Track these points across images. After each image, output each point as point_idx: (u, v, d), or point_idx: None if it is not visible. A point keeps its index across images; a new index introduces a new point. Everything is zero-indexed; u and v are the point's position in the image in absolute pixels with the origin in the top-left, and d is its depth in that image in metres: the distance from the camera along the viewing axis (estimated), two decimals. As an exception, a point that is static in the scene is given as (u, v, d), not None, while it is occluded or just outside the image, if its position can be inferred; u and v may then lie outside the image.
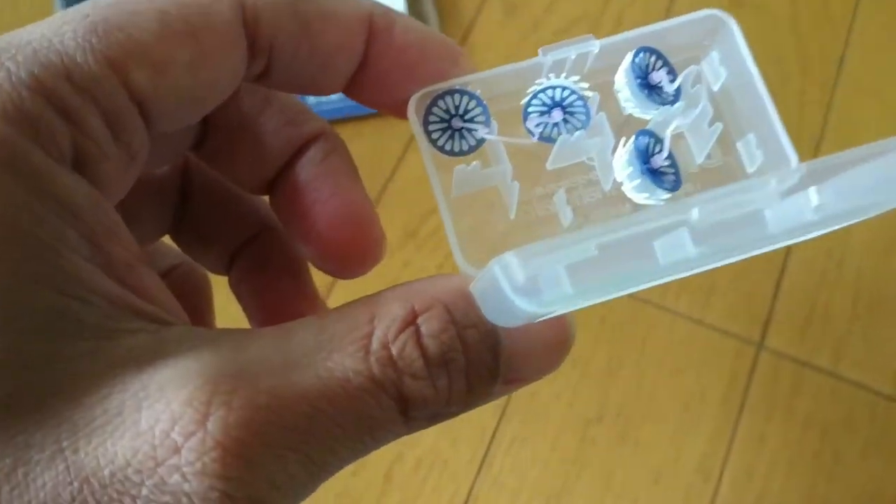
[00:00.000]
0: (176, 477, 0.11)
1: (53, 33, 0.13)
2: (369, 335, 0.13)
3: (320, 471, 0.13)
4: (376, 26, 0.16)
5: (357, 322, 0.14)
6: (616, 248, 0.13)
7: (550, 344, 0.15)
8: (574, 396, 0.38)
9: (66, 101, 0.13)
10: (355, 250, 0.18)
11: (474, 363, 0.14)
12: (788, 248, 0.41)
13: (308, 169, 0.18)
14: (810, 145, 0.43)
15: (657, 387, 0.38)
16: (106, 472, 0.11)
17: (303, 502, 0.13)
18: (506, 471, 0.36)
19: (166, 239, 0.20)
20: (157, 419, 0.12)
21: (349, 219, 0.18)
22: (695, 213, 0.13)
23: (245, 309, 0.20)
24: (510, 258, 0.12)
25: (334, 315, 0.14)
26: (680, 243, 0.13)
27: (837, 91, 0.44)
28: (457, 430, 0.37)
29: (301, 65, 0.16)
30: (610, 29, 0.46)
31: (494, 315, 0.14)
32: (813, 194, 0.14)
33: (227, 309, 0.20)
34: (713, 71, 0.18)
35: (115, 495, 0.11)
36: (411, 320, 0.14)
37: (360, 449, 0.13)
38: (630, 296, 0.40)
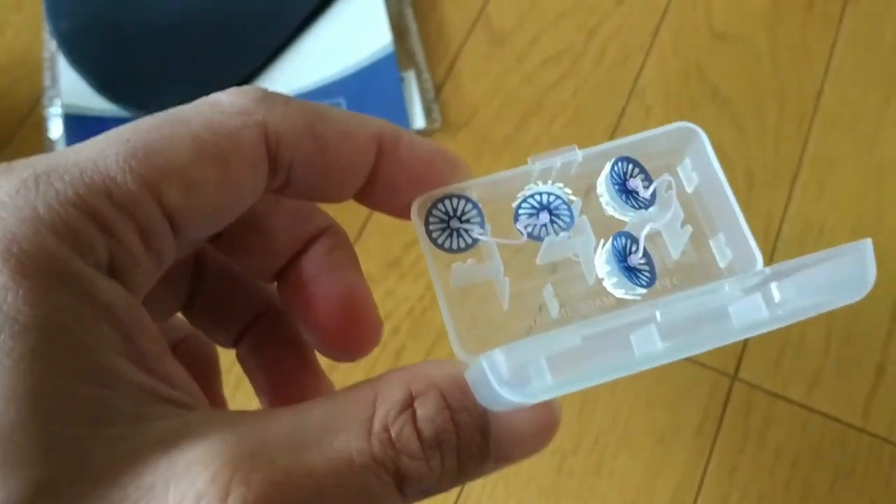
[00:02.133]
0: None
1: (98, 155, 0.15)
2: (371, 417, 0.15)
3: None
4: (385, 144, 0.18)
5: (361, 404, 0.15)
6: (594, 342, 0.15)
7: (537, 427, 0.17)
8: (551, 427, 0.39)
9: (105, 218, 0.15)
10: (354, 341, 0.20)
11: (465, 444, 0.15)
12: (763, 281, 0.41)
13: (313, 263, 0.20)
14: (788, 178, 0.44)
15: (632, 418, 0.39)
16: None
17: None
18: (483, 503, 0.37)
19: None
20: (184, 495, 0.13)
21: (350, 313, 0.20)
22: (658, 315, 0.15)
23: (252, 381, 0.21)
24: (497, 354, 0.14)
25: (341, 396, 0.15)
26: (650, 339, 0.15)
27: (814, 125, 0.45)
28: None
29: (317, 179, 0.18)
30: (593, 61, 0.46)
31: (486, 401, 0.15)
32: (775, 291, 0.16)
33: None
34: (687, 175, 0.20)
35: None
36: (409, 403, 0.15)
37: None
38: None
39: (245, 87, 0.17)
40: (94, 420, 0.14)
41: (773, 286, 0.16)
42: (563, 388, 0.14)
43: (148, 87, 0.43)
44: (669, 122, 0.45)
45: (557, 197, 0.19)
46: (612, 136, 0.44)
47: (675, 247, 0.19)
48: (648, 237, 0.18)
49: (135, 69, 0.44)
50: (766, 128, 0.45)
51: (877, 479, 0.38)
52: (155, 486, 0.13)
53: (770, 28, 0.48)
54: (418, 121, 0.44)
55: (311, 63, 0.45)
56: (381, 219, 0.42)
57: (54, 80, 0.45)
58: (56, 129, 0.43)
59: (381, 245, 0.42)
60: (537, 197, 0.19)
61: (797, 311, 0.15)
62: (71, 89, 0.44)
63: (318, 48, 0.46)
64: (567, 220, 0.19)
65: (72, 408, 0.13)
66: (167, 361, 0.15)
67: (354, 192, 0.19)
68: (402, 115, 0.44)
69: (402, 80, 0.45)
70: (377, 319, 0.20)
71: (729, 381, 0.40)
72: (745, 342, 0.40)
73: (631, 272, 0.18)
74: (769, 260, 0.42)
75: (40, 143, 0.43)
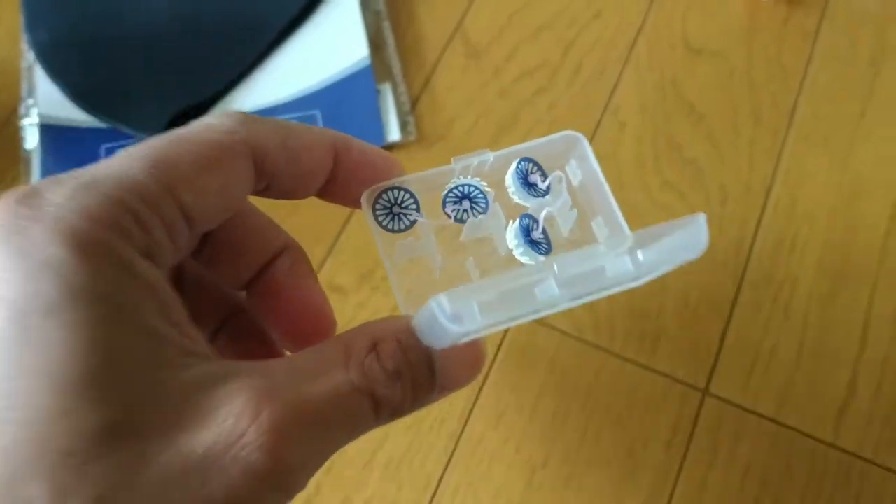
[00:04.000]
0: (244, 452, 0.17)
1: (127, 168, 0.19)
2: (348, 359, 0.20)
3: (325, 451, 0.19)
4: (339, 151, 0.23)
5: (339, 351, 0.20)
6: (510, 291, 0.20)
7: (468, 361, 0.22)
8: (521, 442, 0.38)
9: (140, 214, 0.19)
10: (313, 337, 0.25)
11: (417, 375, 0.21)
12: (736, 293, 0.41)
13: (278, 274, 0.25)
14: (761, 192, 0.44)
15: (603, 432, 0.39)
16: (201, 450, 0.17)
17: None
18: (448, 516, 0.37)
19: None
20: (229, 413, 0.18)
21: (309, 315, 0.25)
22: (555, 268, 0.20)
23: None
24: (442, 297, 0.18)
25: (322, 347, 0.20)
26: (550, 288, 0.20)
27: (788, 140, 0.45)
28: (403, 476, 0.38)
29: (289, 182, 0.23)
30: (569, 76, 0.47)
31: (430, 340, 0.20)
32: (639, 254, 0.21)
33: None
34: (573, 172, 0.25)
35: (208, 465, 0.17)
36: (373, 348, 0.20)
37: (346, 438, 0.20)
38: (579, 340, 0.40)
39: (229, 112, 0.22)
40: (150, 366, 0.18)
41: (638, 251, 0.21)
42: (489, 326, 0.19)
43: (124, 98, 0.44)
44: (644, 136, 0.46)
45: (476, 188, 0.25)
46: (586, 150, 0.45)
47: (565, 226, 0.25)
48: (545, 218, 0.24)
49: (112, 81, 0.44)
50: (740, 143, 0.45)
51: (846, 495, 0.38)
52: (206, 412, 0.18)
53: (746, 43, 0.48)
54: (393, 133, 0.44)
55: (287, 75, 0.45)
56: (353, 234, 0.42)
57: (31, 90, 0.45)
58: (32, 139, 0.44)
59: (354, 259, 0.42)
60: (460, 188, 0.25)
61: (654, 267, 0.20)
62: (48, 100, 0.44)
63: (295, 61, 0.46)
64: (483, 206, 0.25)
65: (133, 357, 0.18)
66: (191, 326, 0.19)
67: (317, 191, 0.24)
68: (378, 128, 0.44)
69: (378, 92, 0.45)
70: (332, 321, 0.25)
71: (700, 395, 0.39)
72: (717, 357, 0.40)
73: (533, 244, 0.24)
74: (742, 274, 0.42)
75: (15, 153, 0.44)
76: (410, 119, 0.45)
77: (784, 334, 0.41)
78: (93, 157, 0.43)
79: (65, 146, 0.43)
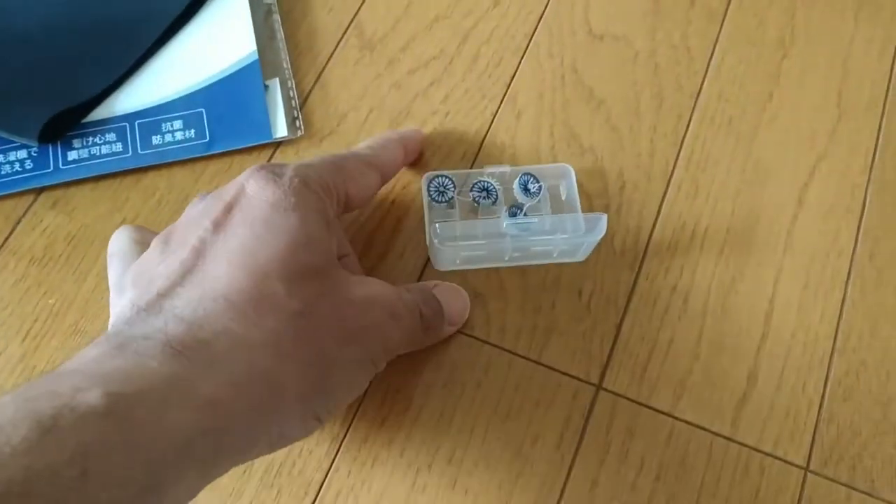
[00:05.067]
0: (381, 304, 0.33)
1: (319, 165, 0.34)
2: (413, 293, 0.35)
3: (407, 336, 0.34)
4: (383, 177, 0.38)
5: (407, 289, 0.35)
6: (472, 223, 0.39)
7: (459, 305, 0.38)
8: (406, 443, 0.37)
9: (332, 193, 0.33)
10: None
11: (435, 305, 0.36)
12: (633, 284, 0.40)
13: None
14: (662, 178, 0.42)
15: (491, 430, 0.37)
16: (363, 295, 0.32)
17: None
18: (317, 523, 0.35)
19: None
20: (374, 289, 0.33)
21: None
22: (511, 230, 0.38)
23: None
24: (437, 226, 0.37)
25: (403, 288, 0.35)
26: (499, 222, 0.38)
27: (692, 124, 0.44)
28: (282, 482, 0.36)
29: (384, 183, 0.38)
30: (466, 66, 0.45)
31: (435, 262, 0.40)
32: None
33: None
34: (564, 189, 0.41)
35: (367, 304, 0.32)
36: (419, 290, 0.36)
37: (413, 335, 0.35)
38: (468, 336, 0.39)
39: (369, 146, 0.39)
40: (332, 248, 0.32)
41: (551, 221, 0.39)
42: (463, 248, 0.38)
43: (7, 101, 0.42)
44: (540, 124, 0.44)
45: (492, 184, 0.40)
46: (482, 141, 0.43)
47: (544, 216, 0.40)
48: (528, 209, 0.40)
49: (-11, 83, 0.43)
50: (641, 128, 0.44)
51: (745, 490, 0.36)
52: (362, 282, 0.32)
53: (650, 27, 0.47)
54: (281, 129, 0.43)
55: (172, 74, 0.44)
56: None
57: (-89, 96, 0.44)
58: None
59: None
60: (482, 183, 0.41)
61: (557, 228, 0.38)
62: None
63: (181, 59, 0.44)
64: (494, 196, 0.40)
65: (328, 242, 0.31)
66: (355, 258, 0.37)
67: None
68: (265, 124, 0.43)
69: (266, 88, 0.44)
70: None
71: (593, 390, 0.38)
72: (611, 350, 0.39)
73: (520, 225, 0.38)
74: (641, 262, 0.40)
75: None
76: (300, 114, 0.43)
77: (682, 325, 0.39)
78: (-27, 163, 0.42)
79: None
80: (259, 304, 0.28)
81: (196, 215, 0.31)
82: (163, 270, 0.29)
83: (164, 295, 0.28)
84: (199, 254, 0.29)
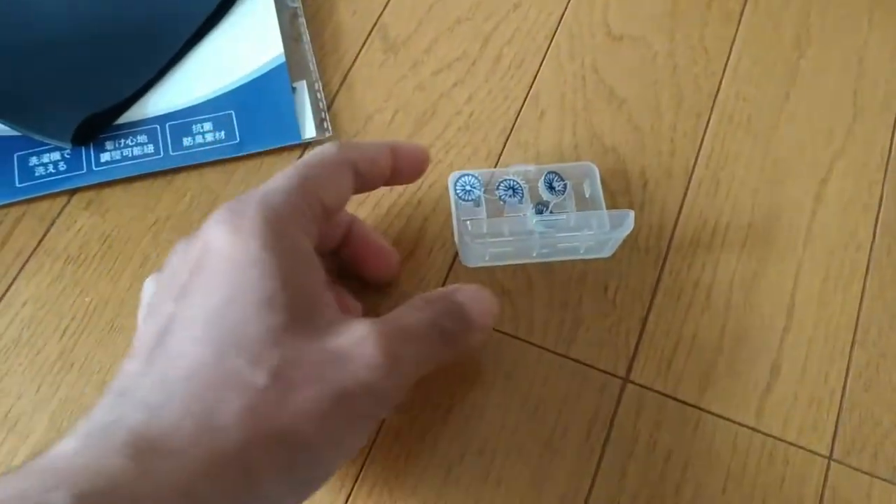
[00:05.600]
0: (367, 351, 0.29)
1: (288, 184, 0.31)
2: (424, 307, 0.32)
3: (417, 362, 0.31)
4: (395, 154, 0.35)
5: (417, 306, 0.32)
6: (501, 221, 0.41)
7: (486, 309, 0.34)
8: (437, 437, 0.38)
9: (301, 211, 0.31)
10: (387, 274, 0.40)
11: (459, 313, 0.33)
12: (657, 279, 0.41)
13: (357, 233, 0.38)
14: (683, 176, 0.43)
15: (520, 423, 0.38)
16: (339, 349, 0.28)
17: None
18: (356, 513, 0.36)
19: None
20: (355, 331, 0.29)
21: (384, 259, 0.39)
22: (539, 227, 0.39)
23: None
24: (467, 223, 0.39)
25: (409, 303, 0.32)
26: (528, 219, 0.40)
27: (711, 123, 0.45)
28: (317, 473, 0.37)
29: (370, 178, 0.34)
30: (489, 67, 0.46)
31: (464, 259, 0.41)
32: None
33: None
34: (588, 187, 0.42)
35: (344, 358, 0.28)
36: (433, 302, 0.33)
37: (430, 355, 0.32)
38: (496, 331, 0.40)
39: (331, 143, 0.34)
40: (305, 297, 0.29)
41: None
42: (491, 245, 0.39)
43: (30, 106, 0.43)
44: (563, 125, 0.45)
45: (517, 182, 0.41)
46: (506, 141, 0.44)
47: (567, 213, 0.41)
48: (553, 206, 0.41)
49: (20, 87, 0.43)
50: (661, 127, 0.45)
51: (770, 479, 0.37)
52: (340, 328, 0.29)
53: (668, 28, 0.48)
54: (310, 131, 0.44)
55: (201, 77, 0.45)
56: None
57: (-56, 100, 0.44)
58: (-57, 149, 0.43)
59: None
60: (507, 181, 0.41)
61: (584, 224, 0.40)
62: (-41, 109, 0.43)
63: (209, 62, 0.45)
64: (520, 194, 0.41)
65: (296, 290, 0.29)
66: (330, 291, 0.31)
67: (385, 181, 0.36)
68: (293, 125, 0.43)
69: (293, 90, 0.45)
70: (398, 260, 0.40)
71: (620, 383, 0.39)
72: (637, 344, 0.39)
73: (547, 222, 0.39)
74: (664, 258, 0.41)
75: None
76: (327, 115, 0.44)
77: (706, 319, 0.40)
78: (7, 165, 0.42)
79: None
80: (223, 384, 0.26)
81: (168, 275, 0.30)
82: (136, 345, 0.29)
83: (132, 374, 0.28)
84: (164, 328, 0.28)
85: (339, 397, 0.28)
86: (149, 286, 0.32)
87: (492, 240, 0.39)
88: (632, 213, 0.37)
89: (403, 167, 0.36)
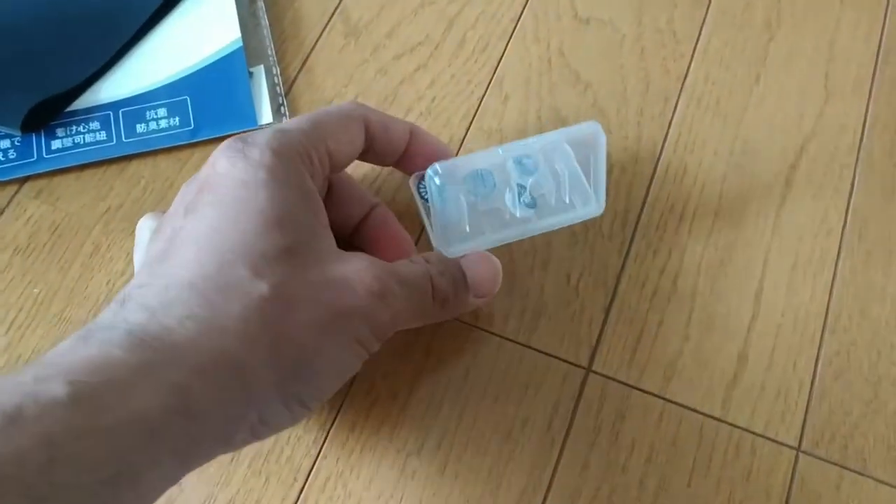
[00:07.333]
0: (365, 279, 0.30)
1: (300, 126, 0.32)
2: (418, 262, 0.33)
3: (408, 305, 0.32)
4: (413, 132, 0.36)
5: (423, 259, 0.34)
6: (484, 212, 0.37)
7: (489, 275, 0.35)
8: (394, 430, 0.37)
9: (308, 152, 0.31)
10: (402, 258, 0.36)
11: (454, 274, 0.34)
12: (622, 267, 0.40)
13: (375, 221, 0.37)
14: (650, 161, 0.42)
15: (480, 415, 0.37)
16: (339, 275, 0.30)
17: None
18: (307, 508, 0.35)
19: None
20: (355, 262, 0.31)
21: (400, 246, 0.37)
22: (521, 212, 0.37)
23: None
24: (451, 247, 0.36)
25: (414, 257, 0.34)
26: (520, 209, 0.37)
27: (679, 107, 0.44)
28: (269, 469, 0.36)
29: (381, 147, 0.35)
30: (452, 52, 0.45)
31: (443, 245, 0.36)
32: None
33: None
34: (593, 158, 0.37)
35: (343, 283, 0.30)
36: (429, 260, 0.34)
37: (418, 304, 0.33)
38: (457, 321, 0.38)
39: (351, 102, 0.35)
40: (310, 224, 0.30)
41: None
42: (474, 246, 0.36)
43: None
44: (528, 109, 0.44)
45: (483, 171, 0.37)
46: (469, 126, 0.43)
47: (548, 192, 0.38)
48: (532, 185, 0.37)
49: (-32, 73, 0.42)
50: (628, 111, 0.43)
51: (737, 472, 0.36)
52: (342, 257, 0.31)
53: (636, 10, 0.46)
54: (266, 115, 0.42)
55: (156, 62, 0.44)
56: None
57: None
58: None
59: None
60: (474, 172, 0.37)
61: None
62: None
63: (166, 45, 0.44)
64: (490, 184, 0.37)
65: (303, 216, 0.30)
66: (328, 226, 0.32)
67: (395, 160, 0.37)
68: (250, 111, 0.42)
69: (251, 75, 0.43)
70: (413, 249, 0.37)
71: (583, 372, 0.38)
72: (600, 333, 0.38)
73: (526, 206, 0.37)
74: (629, 245, 0.40)
75: None
76: (285, 101, 0.43)
77: (672, 307, 0.39)
78: (-45, 154, 0.41)
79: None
80: (225, 289, 0.27)
81: (175, 202, 0.31)
82: (139, 265, 0.29)
83: (136, 285, 0.28)
84: (170, 241, 0.29)
85: (337, 316, 0.29)
86: (146, 221, 0.33)
87: (473, 243, 0.36)
88: (597, 125, 0.35)
89: (417, 154, 0.36)
